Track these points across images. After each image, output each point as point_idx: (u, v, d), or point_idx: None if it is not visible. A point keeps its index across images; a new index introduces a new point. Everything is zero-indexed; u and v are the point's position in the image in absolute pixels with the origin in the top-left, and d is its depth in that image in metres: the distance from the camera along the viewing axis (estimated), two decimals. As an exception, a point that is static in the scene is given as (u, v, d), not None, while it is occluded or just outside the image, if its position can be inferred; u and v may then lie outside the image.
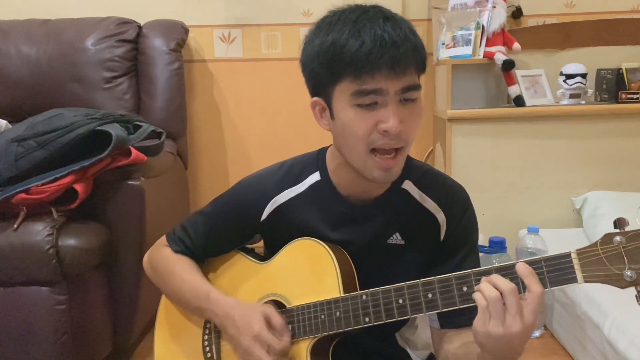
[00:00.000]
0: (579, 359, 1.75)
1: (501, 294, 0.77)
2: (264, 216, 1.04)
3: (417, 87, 0.89)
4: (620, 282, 0.76)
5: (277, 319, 0.97)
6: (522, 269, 0.79)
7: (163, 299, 1.17)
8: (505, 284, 0.78)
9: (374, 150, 0.90)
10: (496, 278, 0.79)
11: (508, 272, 0.81)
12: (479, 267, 1.02)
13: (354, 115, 0.88)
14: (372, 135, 0.88)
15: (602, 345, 1.54)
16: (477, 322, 0.80)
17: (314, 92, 0.95)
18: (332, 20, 0.90)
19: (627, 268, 0.75)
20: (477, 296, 0.80)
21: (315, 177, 1.03)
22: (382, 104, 0.87)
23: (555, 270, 0.79)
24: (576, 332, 1.75)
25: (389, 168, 0.91)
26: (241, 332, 0.97)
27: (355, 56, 0.85)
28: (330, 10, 0.93)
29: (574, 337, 1.78)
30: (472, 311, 0.81)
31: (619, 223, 0.78)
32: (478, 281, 0.82)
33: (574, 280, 0.78)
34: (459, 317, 0.95)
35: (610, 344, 1.48)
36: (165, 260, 1.12)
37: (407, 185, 1.02)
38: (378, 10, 0.89)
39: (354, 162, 0.93)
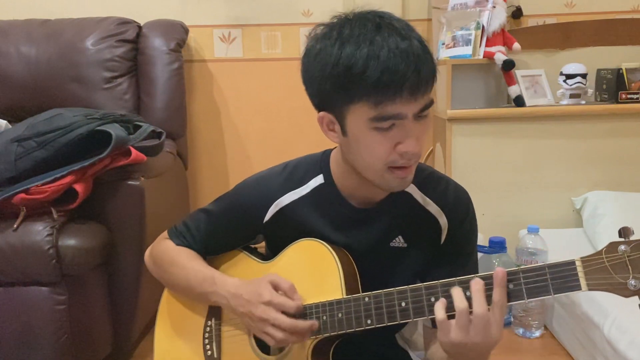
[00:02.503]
0: (578, 359, 1.76)
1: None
2: (267, 217, 1.04)
3: (432, 104, 0.89)
4: (624, 291, 0.76)
5: (284, 282, 0.96)
6: (500, 276, 0.80)
7: (164, 296, 1.17)
8: (460, 302, 0.81)
9: (391, 168, 0.90)
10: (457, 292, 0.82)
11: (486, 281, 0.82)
12: (478, 271, 1.02)
13: (371, 138, 0.87)
14: (391, 156, 0.88)
15: (602, 345, 1.54)
16: (439, 333, 0.83)
17: (321, 107, 0.92)
18: (343, 33, 0.85)
19: (631, 277, 0.76)
20: (437, 306, 0.83)
21: (318, 180, 1.03)
22: (399, 125, 0.86)
23: (559, 278, 0.79)
24: (576, 332, 1.75)
25: (405, 177, 0.91)
26: (252, 304, 0.96)
27: (376, 84, 0.82)
28: (335, 16, 0.89)
29: (574, 337, 1.78)
30: None
31: (624, 232, 0.77)
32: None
33: (577, 288, 0.78)
34: None
35: (610, 344, 1.48)
36: (166, 252, 1.12)
37: (411, 188, 1.01)
38: (392, 29, 0.84)
39: (370, 176, 0.92)
